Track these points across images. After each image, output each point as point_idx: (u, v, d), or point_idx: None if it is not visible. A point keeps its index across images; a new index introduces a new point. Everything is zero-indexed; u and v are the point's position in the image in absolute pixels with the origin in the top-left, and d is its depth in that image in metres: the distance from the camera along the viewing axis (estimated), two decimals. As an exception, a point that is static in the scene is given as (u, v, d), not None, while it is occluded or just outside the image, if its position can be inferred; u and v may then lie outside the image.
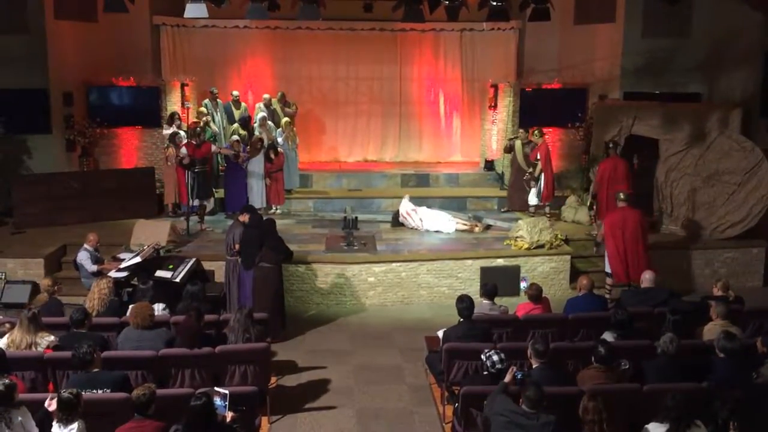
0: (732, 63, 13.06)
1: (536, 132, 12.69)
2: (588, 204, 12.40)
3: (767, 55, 12.87)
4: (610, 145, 11.83)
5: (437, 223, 12.04)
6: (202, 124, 13.32)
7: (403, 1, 10.67)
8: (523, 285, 8.76)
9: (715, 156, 11.61)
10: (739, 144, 11.50)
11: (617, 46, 13.65)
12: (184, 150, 11.96)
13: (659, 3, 12.27)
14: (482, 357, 6.32)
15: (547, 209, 12.77)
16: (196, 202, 11.95)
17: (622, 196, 10.08)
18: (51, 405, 5.28)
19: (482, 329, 7.23)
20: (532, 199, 12.75)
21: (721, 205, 11.59)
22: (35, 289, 9.20)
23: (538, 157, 12.55)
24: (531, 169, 12.65)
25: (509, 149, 13.11)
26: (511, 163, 13.16)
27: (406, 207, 12.27)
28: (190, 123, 13.60)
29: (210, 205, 12.59)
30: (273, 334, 9.18)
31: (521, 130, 13.22)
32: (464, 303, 7.25)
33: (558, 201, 12.98)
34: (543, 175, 12.56)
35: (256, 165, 12.62)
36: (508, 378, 5.90)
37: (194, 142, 11.97)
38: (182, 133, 13.14)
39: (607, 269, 10.01)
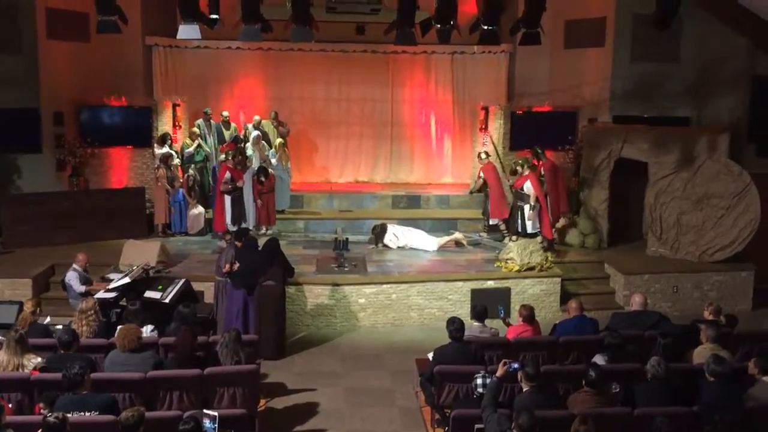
0: (720, 87, 13.19)
1: (520, 161, 12.36)
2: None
3: (754, 80, 13.03)
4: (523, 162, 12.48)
5: (419, 242, 12.09)
6: (196, 145, 13.34)
7: (395, 24, 10.74)
8: (507, 312, 8.85)
9: (703, 180, 11.72)
10: (728, 168, 11.62)
11: (606, 70, 13.78)
12: (228, 175, 11.76)
13: (648, 28, 12.39)
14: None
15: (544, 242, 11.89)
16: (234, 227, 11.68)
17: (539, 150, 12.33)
18: None
19: (473, 351, 7.21)
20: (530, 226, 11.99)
21: (710, 228, 11.67)
22: (22, 309, 9.09)
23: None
24: (521, 202, 12.13)
25: (515, 172, 12.99)
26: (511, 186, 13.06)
27: (392, 240, 12.34)
28: (224, 145, 13.43)
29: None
30: (273, 354, 9.13)
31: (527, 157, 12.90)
32: (455, 325, 7.26)
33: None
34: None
35: (244, 185, 12.55)
36: (500, 372, 5.88)
37: (239, 167, 11.84)
38: (175, 154, 13.15)
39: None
